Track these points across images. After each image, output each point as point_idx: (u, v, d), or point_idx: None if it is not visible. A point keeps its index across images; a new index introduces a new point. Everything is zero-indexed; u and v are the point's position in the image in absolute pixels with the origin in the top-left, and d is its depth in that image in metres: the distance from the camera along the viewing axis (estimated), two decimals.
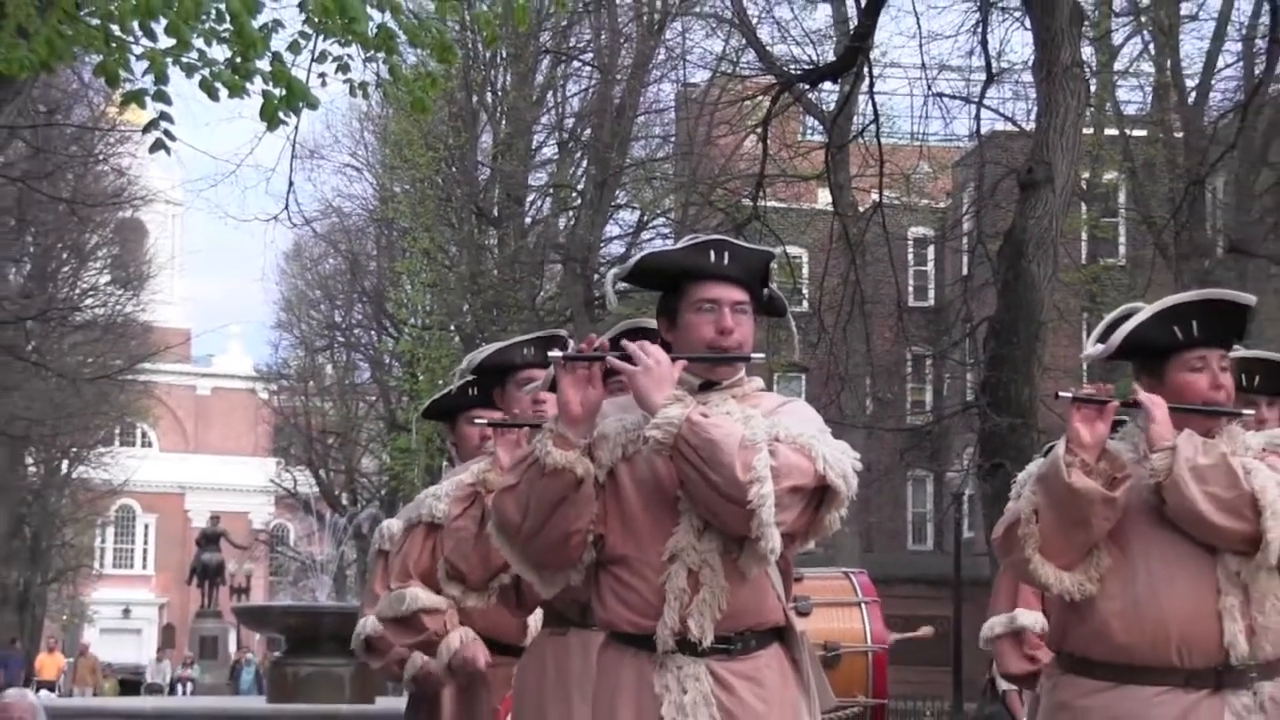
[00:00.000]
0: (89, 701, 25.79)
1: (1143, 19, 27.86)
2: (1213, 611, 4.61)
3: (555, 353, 4.33)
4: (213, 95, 8.36)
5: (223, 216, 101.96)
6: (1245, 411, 4.87)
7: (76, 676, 38.12)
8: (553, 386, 4.39)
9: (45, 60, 8.21)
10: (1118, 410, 4.71)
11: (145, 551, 73.02)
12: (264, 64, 8.33)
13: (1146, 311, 4.83)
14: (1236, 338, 4.90)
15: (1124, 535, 4.67)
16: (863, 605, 8.31)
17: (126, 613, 69.06)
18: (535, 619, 5.61)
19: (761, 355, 4.41)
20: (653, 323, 4.64)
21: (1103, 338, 4.95)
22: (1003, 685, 11.66)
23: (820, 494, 4.16)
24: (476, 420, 5.78)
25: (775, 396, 4.43)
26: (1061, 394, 4.71)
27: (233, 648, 42.98)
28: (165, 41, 8.12)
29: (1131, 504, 4.63)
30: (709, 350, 4.31)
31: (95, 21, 8.36)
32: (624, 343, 4.31)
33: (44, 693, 29.67)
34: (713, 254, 4.36)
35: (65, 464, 42.99)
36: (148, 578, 72.21)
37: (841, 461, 4.16)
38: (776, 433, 4.12)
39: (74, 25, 8.20)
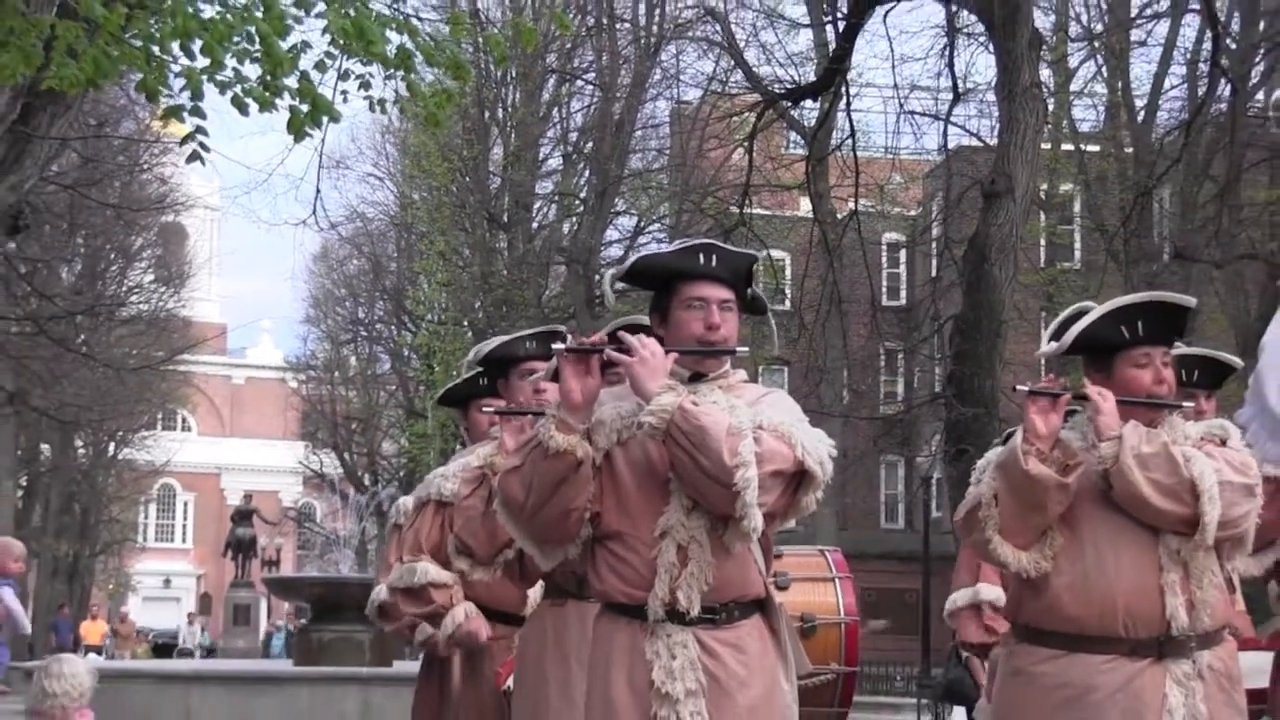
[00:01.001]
0: (131, 665, 25.75)
1: (1096, 44, 27.83)
2: (1155, 586, 4.62)
3: (558, 345, 4.33)
4: (244, 110, 8.35)
5: (256, 221, 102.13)
6: (1185, 404, 4.89)
7: (118, 641, 38.10)
8: (554, 376, 4.39)
9: (93, 78, 8.20)
10: (1069, 402, 4.71)
11: (184, 527, 73.00)
12: (292, 81, 8.32)
13: (1096, 312, 4.83)
14: (1178, 336, 4.90)
15: (1074, 517, 4.68)
16: (836, 580, 8.29)
17: (167, 583, 69.02)
18: (536, 591, 5.61)
19: (746, 350, 4.41)
20: (646, 319, 4.63)
21: (1056, 335, 4.95)
22: (966, 652, 11.70)
23: (799, 478, 4.17)
24: (484, 408, 5.76)
25: (758, 388, 4.43)
26: (1019, 388, 4.72)
27: (264, 615, 42.98)
28: (201, 61, 8.11)
29: (1081, 488, 4.64)
30: (698, 344, 4.31)
31: (138, 43, 8.35)
32: (621, 334, 4.31)
33: (90, 655, 29.65)
34: (702, 256, 4.37)
35: (112, 446, 42.93)
36: (187, 551, 72.19)
37: (819, 448, 4.17)
38: (760, 421, 4.13)
39: (119, 46, 8.18)
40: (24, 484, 35.76)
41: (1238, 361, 5.64)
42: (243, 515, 43.45)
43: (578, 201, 32.77)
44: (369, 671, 14.02)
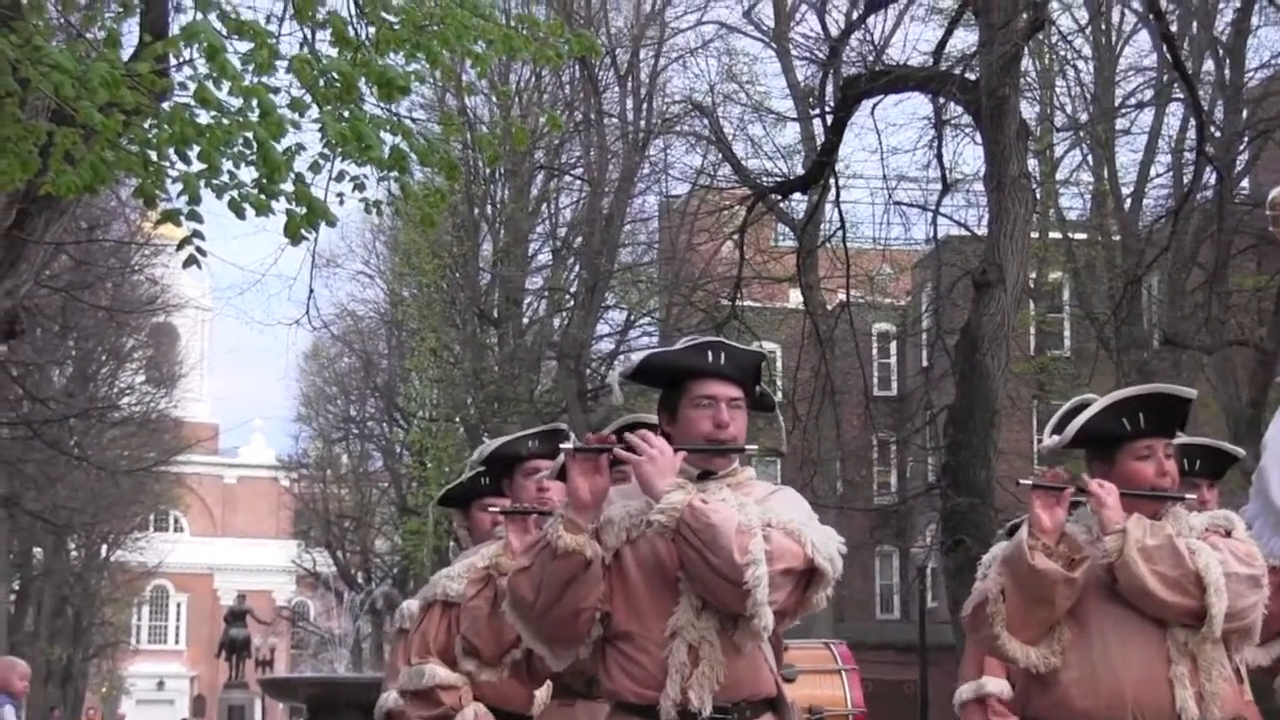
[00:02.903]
0: None
1: (1082, 134, 28.02)
2: (1164, 679, 4.60)
3: (566, 445, 4.33)
4: (240, 214, 8.38)
5: (249, 321, 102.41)
6: (1188, 495, 4.89)
7: None
8: (561, 475, 4.39)
9: (90, 184, 8.24)
10: (1073, 495, 4.71)
11: (178, 628, 72.56)
12: (288, 185, 8.36)
13: (1098, 405, 4.84)
14: (1180, 427, 4.91)
15: (1081, 611, 4.67)
16: (843, 673, 8.30)
17: (161, 685, 68.49)
18: (544, 690, 5.58)
19: (755, 448, 4.42)
20: (651, 417, 4.64)
21: (1058, 428, 4.96)
22: None
23: (809, 575, 4.16)
24: (490, 508, 5.74)
25: (766, 485, 4.43)
26: (1022, 482, 4.72)
27: (259, 716, 42.64)
28: (198, 165, 8.15)
29: (1088, 582, 4.63)
30: (707, 442, 4.31)
31: (135, 148, 8.39)
32: (628, 435, 4.31)
33: None
34: (710, 354, 4.38)
35: (104, 548, 42.78)
36: (180, 652, 71.70)
37: (829, 545, 4.17)
38: (769, 519, 4.12)
39: (116, 151, 8.22)
40: (16, 588, 35.55)
41: (1239, 451, 5.66)
42: (236, 615, 43.25)
43: (568, 296, 32.84)
44: None
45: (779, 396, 29.83)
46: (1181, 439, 5.12)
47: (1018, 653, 4.66)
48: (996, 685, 6.28)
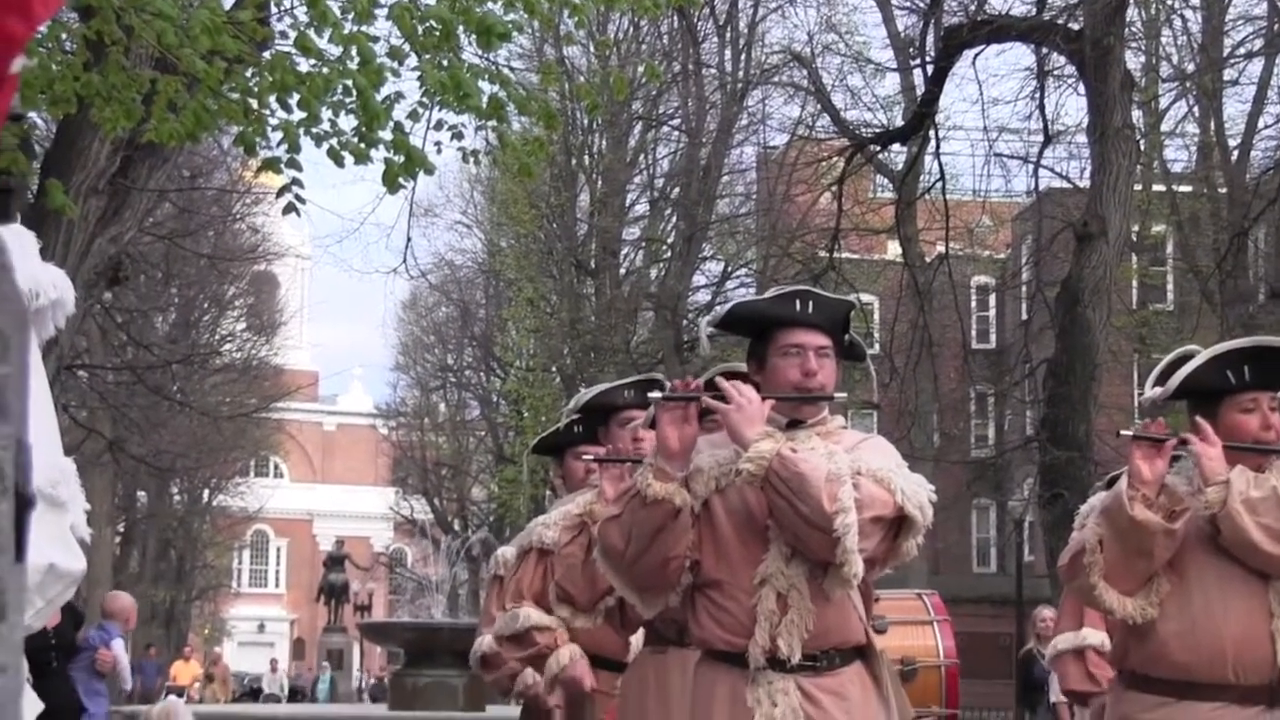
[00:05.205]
0: (232, 708, 25.96)
1: (1188, 84, 27.60)
2: (1265, 632, 4.55)
3: (655, 394, 4.33)
4: (339, 163, 8.45)
5: (347, 269, 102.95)
6: None
7: (212, 686, 38.17)
8: (652, 424, 4.39)
9: (192, 131, 8.33)
10: (1174, 448, 4.66)
11: (277, 572, 73.46)
12: (386, 134, 8.40)
13: (1201, 357, 4.78)
14: None
15: (1181, 563, 4.62)
16: (935, 624, 8.26)
17: (261, 628, 69.41)
18: (637, 637, 5.60)
19: (844, 395, 4.39)
20: (743, 365, 4.63)
21: (1160, 381, 4.90)
22: (1054, 697, 11.57)
23: (899, 523, 4.14)
24: (583, 456, 5.76)
25: (856, 433, 4.41)
26: (1123, 433, 4.67)
27: (357, 660, 43.13)
28: (298, 114, 8.21)
29: (1188, 534, 4.58)
30: (795, 391, 4.29)
31: (236, 96, 8.46)
32: (718, 381, 4.30)
33: (171, 698, 29.74)
34: (798, 303, 4.35)
35: (206, 493, 43.34)
36: (280, 596, 72.60)
37: (918, 493, 4.14)
38: (858, 467, 4.10)
39: (218, 100, 8.30)
40: (121, 531, 36.13)
41: None
42: (335, 561, 43.69)
43: (665, 247, 32.84)
44: (463, 716, 14.06)
45: (875, 349, 29.73)
46: None
47: (1114, 603, 4.63)
48: (1097, 637, 6.22)
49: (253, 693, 39.99)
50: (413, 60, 8.47)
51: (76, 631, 10.81)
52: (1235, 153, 28.31)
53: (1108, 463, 14.78)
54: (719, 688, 4.22)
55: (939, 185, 21.31)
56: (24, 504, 1.27)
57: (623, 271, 33.91)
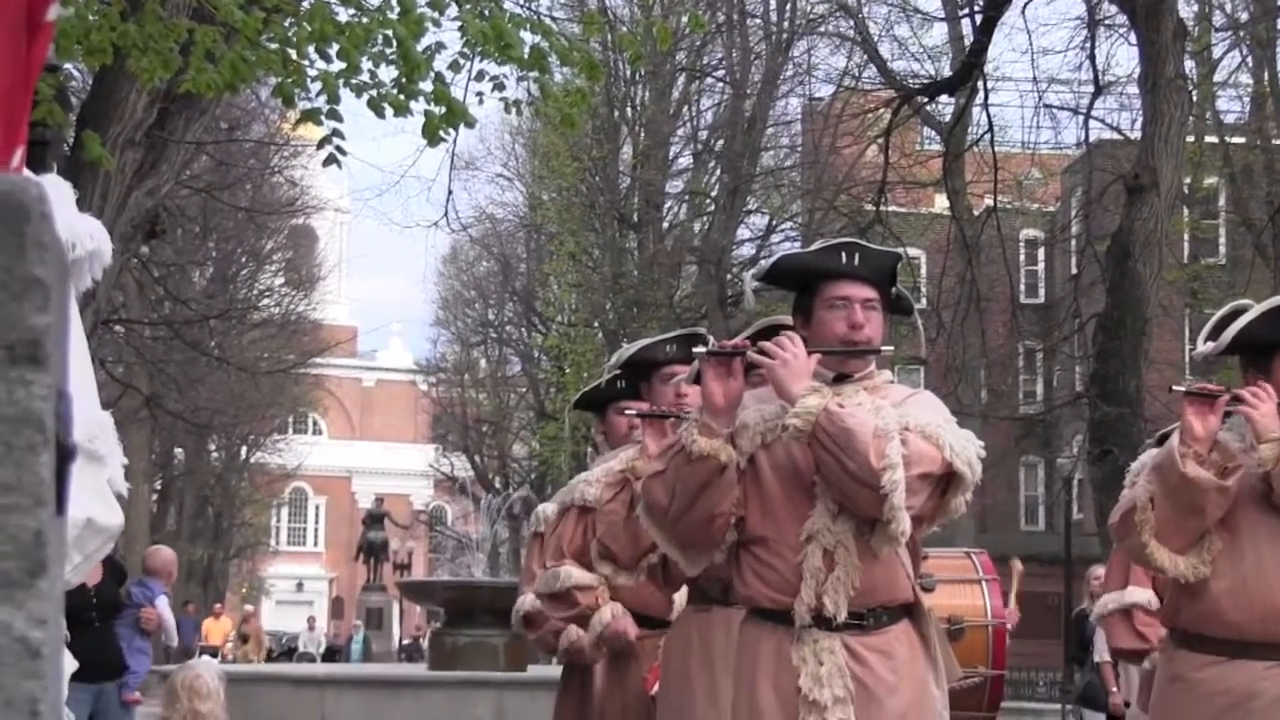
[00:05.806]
0: (265, 668, 26.05)
1: (1241, 34, 27.36)
2: None
3: (700, 348, 4.32)
4: (380, 114, 8.43)
5: (387, 223, 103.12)
6: None
7: (244, 646, 38.29)
8: (696, 380, 4.39)
9: (230, 82, 8.33)
10: (1227, 403, 4.63)
11: (316, 530, 73.79)
12: (427, 85, 8.38)
13: (1255, 310, 4.74)
14: None
15: (1233, 520, 4.60)
16: (983, 583, 8.24)
17: (300, 586, 69.76)
18: (681, 595, 5.61)
19: (891, 349, 4.38)
20: (788, 320, 4.61)
21: (1212, 335, 4.87)
22: (1099, 657, 11.57)
23: (947, 480, 4.12)
24: (626, 411, 5.74)
25: (903, 388, 4.40)
26: (1175, 388, 4.66)
27: (396, 619, 43.33)
28: (337, 65, 8.20)
29: (1241, 491, 4.56)
30: (841, 345, 4.27)
31: (274, 47, 8.46)
32: (762, 338, 4.29)
33: (204, 658, 29.80)
34: (844, 255, 4.33)
35: (244, 450, 43.50)
36: (318, 554, 72.96)
37: (967, 449, 4.12)
38: (906, 422, 4.08)
39: (256, 50, 8.30)
40: (158, 487, 36.36)
41: None
42: (374, 519, 43.90)
43: (709, 200, 32.78)
44: (503, 676, 14.09)
45: (923, 303, 29.64)
46: None
47: (1166, 561, 4.61)
48: (1143, 595, 6.19)
49: (288, 652, 40.12)
50: (453, 10, 8.45)
51: (119, 588, 10.88)
52: None
53: (1158, 419, 14.71)
54: (764, 646, 4.23)
55: (987, 137, 21.22)
56: (65, 455, 1.28)
57: (666, 225, 33.88)
